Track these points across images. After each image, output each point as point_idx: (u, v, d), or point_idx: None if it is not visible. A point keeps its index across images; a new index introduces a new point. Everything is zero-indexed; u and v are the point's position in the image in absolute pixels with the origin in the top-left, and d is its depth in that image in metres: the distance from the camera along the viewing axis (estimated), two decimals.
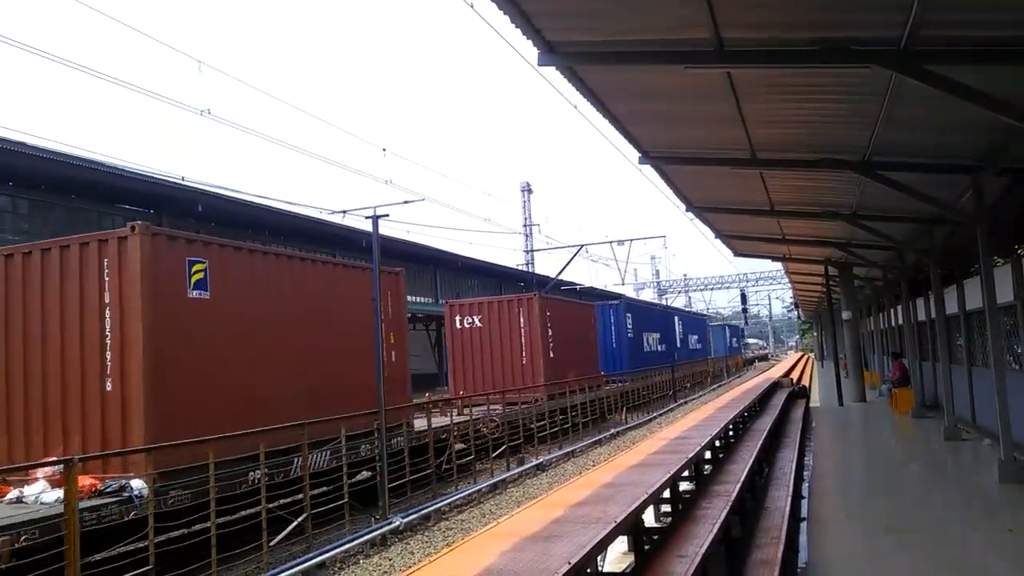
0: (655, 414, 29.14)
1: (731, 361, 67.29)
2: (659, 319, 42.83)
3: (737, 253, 27.09)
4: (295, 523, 10.92)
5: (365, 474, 13.26)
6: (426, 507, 12.63)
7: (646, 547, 7.40)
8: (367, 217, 12.70)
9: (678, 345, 46.62)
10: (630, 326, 34.97)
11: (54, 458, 9.14)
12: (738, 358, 77.85)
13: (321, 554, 9.94)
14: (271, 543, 10.18)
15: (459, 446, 16.17)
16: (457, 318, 23.87)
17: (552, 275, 38.77)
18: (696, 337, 54.08)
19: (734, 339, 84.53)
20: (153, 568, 8.21)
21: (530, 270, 53.59)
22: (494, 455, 17.25)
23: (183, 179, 22.78)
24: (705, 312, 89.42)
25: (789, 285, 56.86)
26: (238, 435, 10.15)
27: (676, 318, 49.31)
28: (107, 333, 10.14)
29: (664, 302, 63.82)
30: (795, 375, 38.09)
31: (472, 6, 9.03)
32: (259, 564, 9.86)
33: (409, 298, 21.65)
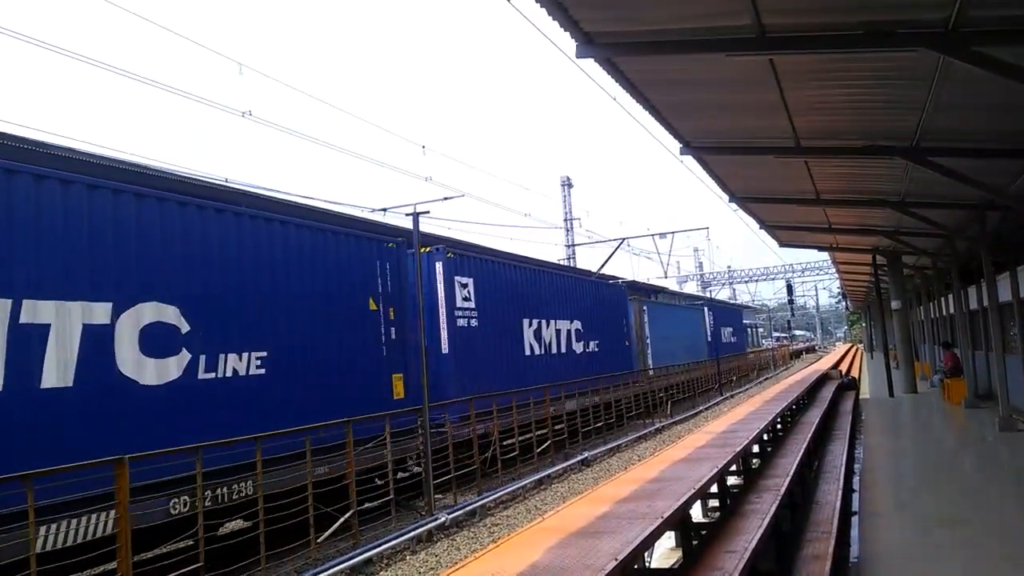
0: (702, 407, 28.91)
1: (709, 370, 36.81)
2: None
3: (782, 244, 26.70)
4: (342, 520, 11.01)
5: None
6: (471, 503, 12.67)
7: (694, 542, 7.34)
8: (407, 215, 12.76)
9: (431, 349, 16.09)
10: None
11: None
12: (747, 356, 51.78)
13: (368, 550, 10.02)
14: (319, 539, 10.28)
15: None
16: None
17: (594, 269, 38.58)
18: (578, 326, 23.00)
19: (728, 328, 50.04)
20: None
21: (572, 264, 53.29)
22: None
23: (227, 180, 23.02)
24: (750, 304, 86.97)
25: (836, 275, 55.89)
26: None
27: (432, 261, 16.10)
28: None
29: (708, 294, 62.28)
30: (844, 367, 37.53)
31: (509, 0, 8.98)
32: (307, 560, 9.96)
33: None
